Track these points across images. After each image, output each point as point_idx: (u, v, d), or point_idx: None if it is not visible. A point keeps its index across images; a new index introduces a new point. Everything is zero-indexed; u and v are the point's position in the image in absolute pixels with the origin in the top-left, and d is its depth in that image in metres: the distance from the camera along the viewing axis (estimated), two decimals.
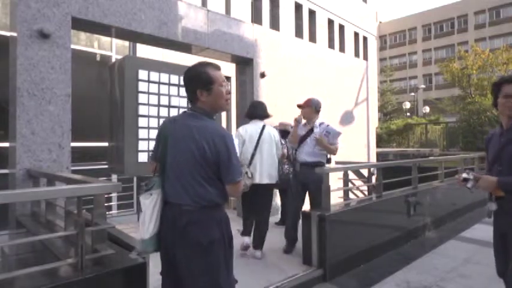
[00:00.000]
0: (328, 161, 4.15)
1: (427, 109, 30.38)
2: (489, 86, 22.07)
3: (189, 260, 1.73)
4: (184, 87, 1.89)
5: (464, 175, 2.20)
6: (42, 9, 3.83)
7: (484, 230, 5.44)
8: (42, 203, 3.28)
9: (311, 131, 4.01)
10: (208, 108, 1.84)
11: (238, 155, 3.42)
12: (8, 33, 4.72)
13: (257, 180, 3.74)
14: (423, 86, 37.71)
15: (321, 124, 4.04)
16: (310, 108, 4.00)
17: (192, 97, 1.85)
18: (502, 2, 39.66)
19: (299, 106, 4.10)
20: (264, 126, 3.89)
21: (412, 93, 36.06)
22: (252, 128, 3.88)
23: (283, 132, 4.88)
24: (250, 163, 3.77)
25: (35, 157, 3.75)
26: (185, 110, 1.95)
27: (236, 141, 3.30)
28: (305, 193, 4.06)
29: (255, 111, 3.99)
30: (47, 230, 2.85)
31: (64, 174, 3.41)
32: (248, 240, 3.93)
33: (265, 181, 3.80)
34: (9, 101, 3.91)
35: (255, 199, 3.85)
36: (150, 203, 1.75)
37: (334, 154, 4.07)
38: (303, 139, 4.02)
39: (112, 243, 2.17)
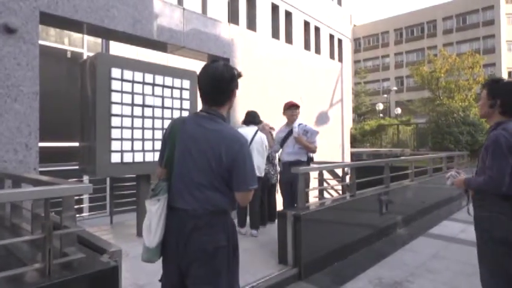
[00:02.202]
0: (311, 159, 4.30)
1: (399, 110, 31.44)
2: (456, 89, 23.20)
3: (193, 267, 1.65)
4: (216, 87, 1.74)
5: (449, 173, 2.47)
6: (7, 3, 3.65)
7: (451, 227, 5.70)
8: (7, 205, 3.13)
9: (291, 132, 4.26)
10: (225, 110, 1.79)
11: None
12: None
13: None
14: (395, 88, 38.98)
15: (299, 124, 4.27)
16: (297, 110, 4.35)
17: (222, 98, 1.77)
18: (468, 9, 41.66)
19: (295, 106, 4.38)
20: (256, 131, 4.49)
21: (385, 95, 37.25)
22: (248, 131, 4.49)
23: None
24: None
25: None
26: (198, 111, 1.84)
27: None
28: (292, 189, 4.21)
29: (253, 119, 4.69)
30: (12, 234, 2.72)
31: (31, 176, 3.26)
32: (243, 231, 4.63)
33: (260, 174, 4.46)
34: None
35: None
36: (157, 210, 1.65)
37: (314, 152, 4.28)
38: (284, 140, 4.31)
39: (82, 247, 2.10)
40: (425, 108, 26.47)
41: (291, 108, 4.31)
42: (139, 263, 3.32)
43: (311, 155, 4.36)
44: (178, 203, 1.68)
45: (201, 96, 1.80)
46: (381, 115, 31.28)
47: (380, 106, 29.79)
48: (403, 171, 6.44)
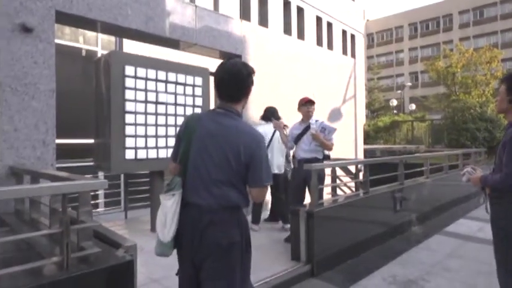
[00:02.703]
0: (326, 157, 4.26)
1: (413, 106, 30.90)
2: (473, 84, 22.67)
3: (208, 261, 1.68)
4: (233, 84, 1.77)
5: (465, 170, 2.45)
6: (24, 2, 3.73)
7: (467, 225, 5.58)
8: (26, 200, 3.21)
9: (307, 128, 4.15)
10: (241, 107, 1.82)
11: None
12: None
13: (275, 170, 4.60)
14: (409, 84, 38.32)
15: (316, 121, 4.20)
16: (312, 106, 4.24)
17: (239, 95, 1.79)
18: (485, 2, 40.53)
19: (311, 102, 4.25)
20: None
21: (399, 91, 36.65)
22: (267, 128, 4.64)
23: None
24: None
25: (18, 154, 3.66)
26: (214, 108, 1.87)
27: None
28: (305, 186, 4.15)
29: (272, 115, 4.79)
30: (31, 228, 2.79)
31: (49, 172, 3.33)
32: (257, 227, 4.70)
33: (275, 171, 4.64)
34: None
35: (271, 186, 4.39)
36: (172, 204, 1.67)
37: (331, 149, 4.22)
38: (299, 137, 4.20)
39: (98, 241, 2.14)
40: (440, 104, 25.96)
41: (306, 104, 4.19)
42: (153, 258, 3.36)
43: (327, 152, 4.30)
44: (193, 198, 1.70)
45: (217, 92, 1.82)
46: (395, 111, 30.81)
47: (394, 102, 29.34)
48: (418, 168, 6.34)
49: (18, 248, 2.55)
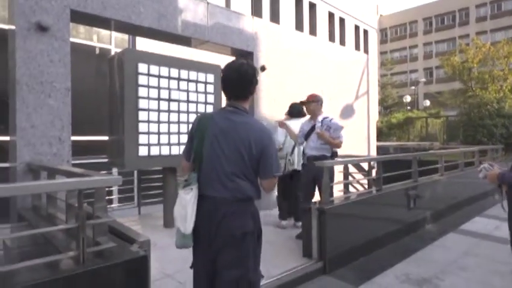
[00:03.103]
0: (334, 154, 4.23)
1: (427, 103, 30.33)
2: (490, 79, 22.11)
3: (223, 252, 1.78)
4: (240, 83, 1.89)
5: (482, 166, 2.41)
6: (40, 2, 3.79)
7: (483, 223, 5.47)
8: (43, 196, 3.29)
9: (314, 126, 4.14)
10: (248, 104, 1.95)
11: (282, 144, 4.26)
12: (6, 26, 4.68)
13: (295, 166, 4.74)
14: (424, 80, 37.59)
15: (324, 119, 4.14)
16: (316, 103, 4.18)
17: (246, 93, 1.91)
18: None
19: (303, 103, 4.31)
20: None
21: (413, 87, 35.95)
22: (294, 124, 4.56)
23: None
24: (292, 152, 4.76)
25: (35, 150, 3.75)
26: (224, 106, 1.98)
27: (283, 134, 4.73)
28: (315, 183, 4.15)
29: (298, 112, 4.87)
30: (48, 223, 2.86)
31: (65, 168, 3.41)
32: (285, 223, 4.80)
33: (300, 168, 4.64)
34: (9, 94, 3.89)
35: (292, 183, 4.74)
36: (190, 198, 1.78)
37: (339, 147, 4.17)
38: (308, 134, 4.20)
39: (113, 236, 2.17)
40: (455, 100, 25.42)
41: (306, 103, 4.24)
42: (167, 253, 3.43)
43: (336, 149, 4.26)
44: (208, 191, 1.81)
45: (225, 92, 1.95)
46: (408, 107, 30.30)
47: (407, 98, 28.85)
48: (433, 165, 6.23)
49: (36, 242, 2.62)
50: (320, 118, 4.15)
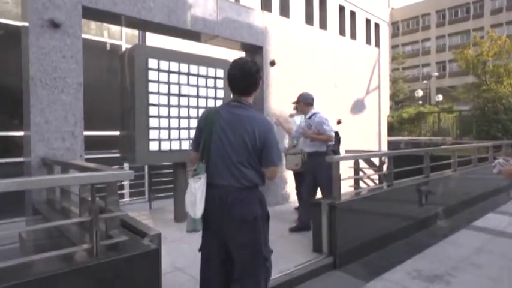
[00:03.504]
0: (336, 150, 4.27)
1: (440, 97, 29.79)
2: (505, 73, 21.55)
3: (235, 234, 1.96)
4: (245, 79, 2.04)
5: (496, 161, 2.40)
6: None
7: (497, 220, 5.38)
8: (57, 190, 3.36)
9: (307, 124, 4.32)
10: (252, 99, 2.10)
11: (293, 137, 4.44)
12: (20, 23, 4.76)
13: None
14: (436, 74, 36.85)
15: (311, 116, 4.24)
16: (300, 103, 4.34)
17: (251, 89, 2.06)
18: None
19: (294, 103, 4.59)
20: None
21: (425, 81, 35.29)
22: (300, 119, 4.67)
23: None
24: None
25: (48, 145, 3.82)
26: (229, 101, 2.14)
27: (294, 127, 4.66)
28: (315, 180, 4.21)
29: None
30: (62, 216, 2.92)
31: (78, 162, 3.46)
32: None
33: None
34: (23, 90, 3.97)
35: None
36: (199, 186, 1.93)
37: (330, 141, 4.22)
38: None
39: (125, 230, 2.21)
40: (469, 94, 24.86)
41: (297, 102, 4.43)
42: (177, 247, 3.46)
43: (330, 143, 4.27)
44: (217, 179, 1.96)
45: (231, 88, 2.11)
46: (420, 102, 29.80)
47: (419, 93, 28.35)
48: (445, 160, 6.13)
49: (50, 235, 2.68)
50: (308, 115, 4.27)
